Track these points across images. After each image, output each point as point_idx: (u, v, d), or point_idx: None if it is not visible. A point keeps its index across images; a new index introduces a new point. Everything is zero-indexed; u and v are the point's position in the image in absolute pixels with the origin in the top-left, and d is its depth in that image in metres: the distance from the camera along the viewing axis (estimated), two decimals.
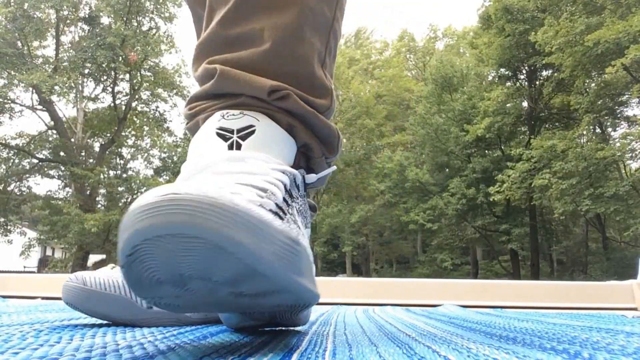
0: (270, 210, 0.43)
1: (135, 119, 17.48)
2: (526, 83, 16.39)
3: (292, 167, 0.56)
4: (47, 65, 15.29)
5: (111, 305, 0.67)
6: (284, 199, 0.49)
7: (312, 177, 0.59)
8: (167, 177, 17.09)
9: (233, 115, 0.55)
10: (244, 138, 0.53)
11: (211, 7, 0.63)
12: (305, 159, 0.62)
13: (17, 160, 15.61)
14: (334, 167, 0.67)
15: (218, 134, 0.53)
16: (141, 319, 0.68)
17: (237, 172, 0.48)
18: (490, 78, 17.22)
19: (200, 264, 0.34)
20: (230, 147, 0.52)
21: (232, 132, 0.53)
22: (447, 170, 17.78)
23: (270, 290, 0.39)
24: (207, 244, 0.33)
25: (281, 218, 0.46)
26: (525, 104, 16.02)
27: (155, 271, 0.35)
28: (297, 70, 0.60)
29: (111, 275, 0.70)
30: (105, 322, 0.72)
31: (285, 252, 0.38)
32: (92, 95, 16.70)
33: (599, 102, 13.02)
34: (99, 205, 16.28)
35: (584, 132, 13.72)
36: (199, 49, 0.64)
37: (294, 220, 0.49)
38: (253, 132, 0.54)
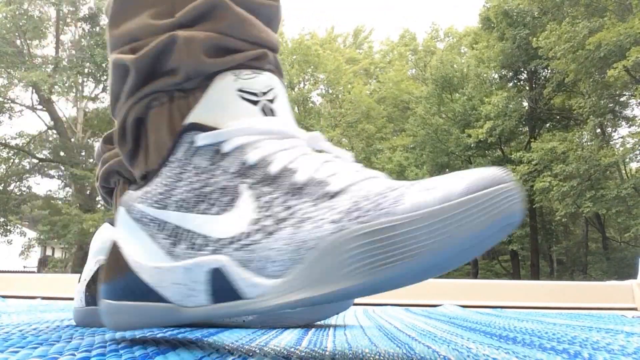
0: None
1: None
2: (527, 84, 16.40)
3: None
4: (46, 65, 15.28)
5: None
6: None
7: None
8: None
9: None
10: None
11: None
12: None
13: (17, 160, 15.60)
14: None
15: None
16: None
17: None
18: (491, 79, 17.21)
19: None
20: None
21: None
22: (448, 170, 17.77)
23: None
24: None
25: None
26: (525, 103, 16.02)
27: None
28: None
29: None
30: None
31: None
32: (92, 95, 16.66)
33: (602, 104, 13.00)
34: (99, 206, 16.27)
35: (585, 134, 13.72)
36: None
37: None
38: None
